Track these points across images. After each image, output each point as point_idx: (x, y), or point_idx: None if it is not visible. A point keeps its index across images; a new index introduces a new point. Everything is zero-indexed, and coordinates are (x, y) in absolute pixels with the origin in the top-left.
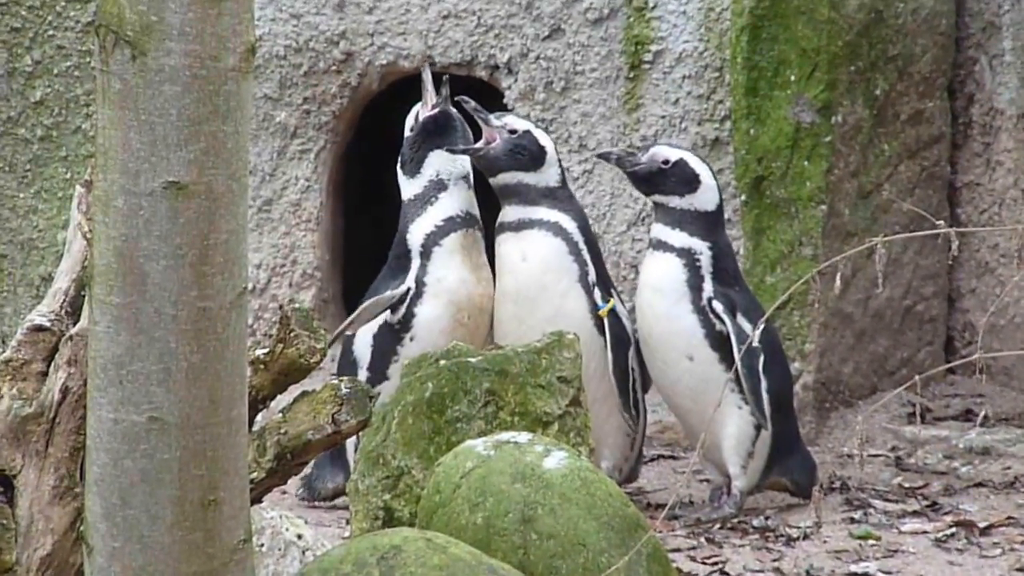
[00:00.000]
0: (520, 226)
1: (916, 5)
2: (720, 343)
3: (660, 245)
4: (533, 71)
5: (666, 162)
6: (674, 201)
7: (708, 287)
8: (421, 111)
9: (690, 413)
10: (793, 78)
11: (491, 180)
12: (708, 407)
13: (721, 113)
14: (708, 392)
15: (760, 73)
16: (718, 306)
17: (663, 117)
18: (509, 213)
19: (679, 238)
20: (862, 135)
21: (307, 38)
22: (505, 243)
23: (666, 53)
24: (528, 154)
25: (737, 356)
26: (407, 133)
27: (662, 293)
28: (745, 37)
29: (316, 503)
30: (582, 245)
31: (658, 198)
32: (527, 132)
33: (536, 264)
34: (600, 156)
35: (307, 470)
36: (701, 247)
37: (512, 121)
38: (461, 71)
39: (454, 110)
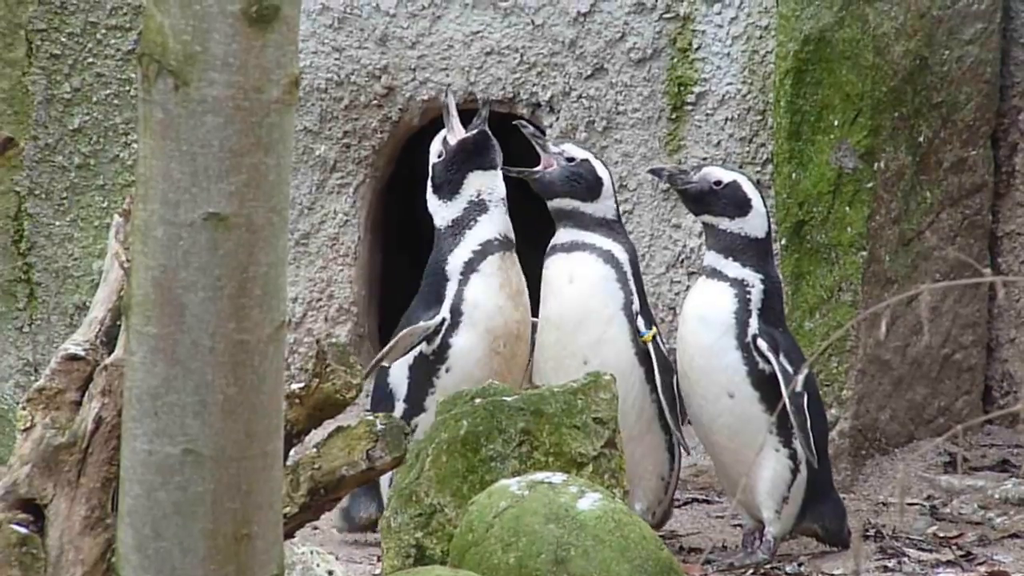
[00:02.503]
0: (572, 247)
1: (961, 53)
2: (761, 382)
3: (713, 273)
4: (575, 110)
5: (718, 183)
6: (724, 223)
7: (754, 323)
8: (449, 137)
9: (725, 451)
10: (836, 123)
11: (548, 204)
12: (744, 447)
13: (763, 156)
14: (746, 432)
15: (803, 117)
16: (763, 344)
17: (705, 159)
18: (562, 235)
19: (733, 268)
20: (904, 182)
21: (348, 72)
22: (554, 264)
23: (709, 95)
24: (585, 183)
25: (785, 394)
26: (434, 160)
27: (708, 324)
28: (789, 81)
29: (352, 532)
30: (630, 275)
31: (707, 219)
32: (585, 161)
33: (583, 288)
34: (652, 172)
35: (344, 501)
36: (754, 279)
37: (570, 149)
38: (503, 108)
39: (490, 132)
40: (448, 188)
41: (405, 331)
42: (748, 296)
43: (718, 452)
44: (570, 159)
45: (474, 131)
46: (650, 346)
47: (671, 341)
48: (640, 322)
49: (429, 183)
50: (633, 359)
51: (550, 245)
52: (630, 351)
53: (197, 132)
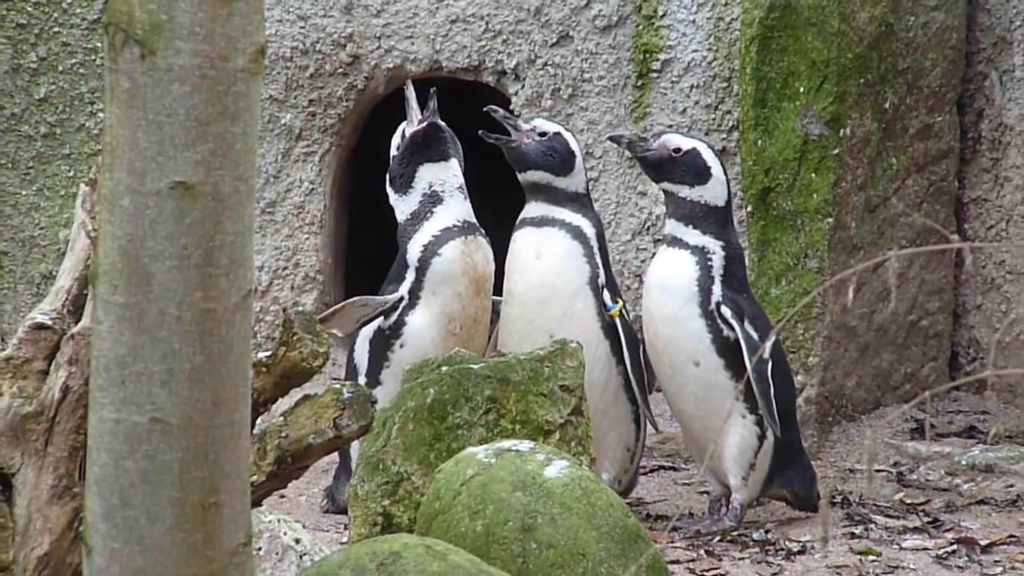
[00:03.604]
0: (542, 222)
1: (927, 19)
2: (726, 349)
3: (674, 242)
4: (540, 77)
5: (677, 150)
6: (684, 191)
7: (717, 290)
8: (407, 128)
9: (693, 419)
10: (802, 90)
11: (520, 176)
12: (711, 414)
13: (729, 124)
14: (712, 399)
15: (769, 84)
16: (726, 311)
17: (670, 126)
18: (532, 209)
19: (693, 236)
20: (870, 148)
21: (314, 40)
22: (522, 238)
23: (674, 62)
24: (558, 156)
25: (749, 363)
26: (393, 152)
27: (671, 293)
28: (754, 48)
29: (337, 513)
30: (596, 250)
31: (667, 186)
32: (557, 134)
33: (550, 263)
34: (611, 139)
35: (328, 481)
36: (715, 246)
37: (541, 124)
38: (468, 76)
39: (442, 123)
40: (401, 182)
41: (354, 299)
42: (710, 263)
43: (685, 420)
44: (542, 133)
45: (423, 123)
46: (616, 320)
47: (637, 309)
48: (606, 296)
49: (387, 177)
50: (599, 332)
51: (520, 218)
52: (596, 325)
53: (163, 101)
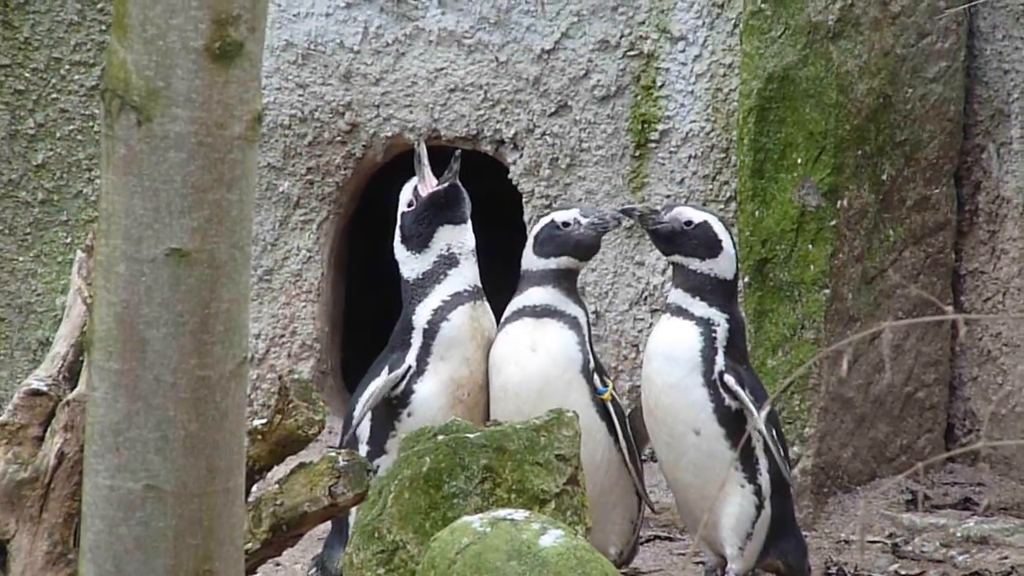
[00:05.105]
0: (543, 313)
1: (925, 91)
2: (727, 419)
3: (679, 312)
4: (539, 147)
5: (689, 223)
6: (694, 264)
7: (720, 360)
8: (420, 187)
9: (690, 488)
10: (799, 161)
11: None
12: (709, 483)
13: (726, 194)
14: (711, 468)
15: (766, 155)
16: (729, 379)
17: (668, 196)
18: (533, 297)
19: (699, 307)
20: (867, 220)
21: (312, 108)
22: (516, 330)
23: (673, 132)
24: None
25: (760, 420)
26: (403, 208)
27: (675, 362)
28: (752, 119)
29: None
30: (587, 337)
31: (678, 259)
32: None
33: (545, 359)
34: (624, 212)
35: (319, 549)
36: (719, 318)
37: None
38: (466, 145)
39: (460, 184)
40: (418, 241)
41: (373, 387)
42: (714, 335)
43: (682, 489)
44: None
45: (445, 184)
46: (609, 404)
47: (634, 379)
48: (596, 379)
49: (398, 232)
50: (595, 418)
51: (519, 306)
52: (591, 410)
53: (159, 168)
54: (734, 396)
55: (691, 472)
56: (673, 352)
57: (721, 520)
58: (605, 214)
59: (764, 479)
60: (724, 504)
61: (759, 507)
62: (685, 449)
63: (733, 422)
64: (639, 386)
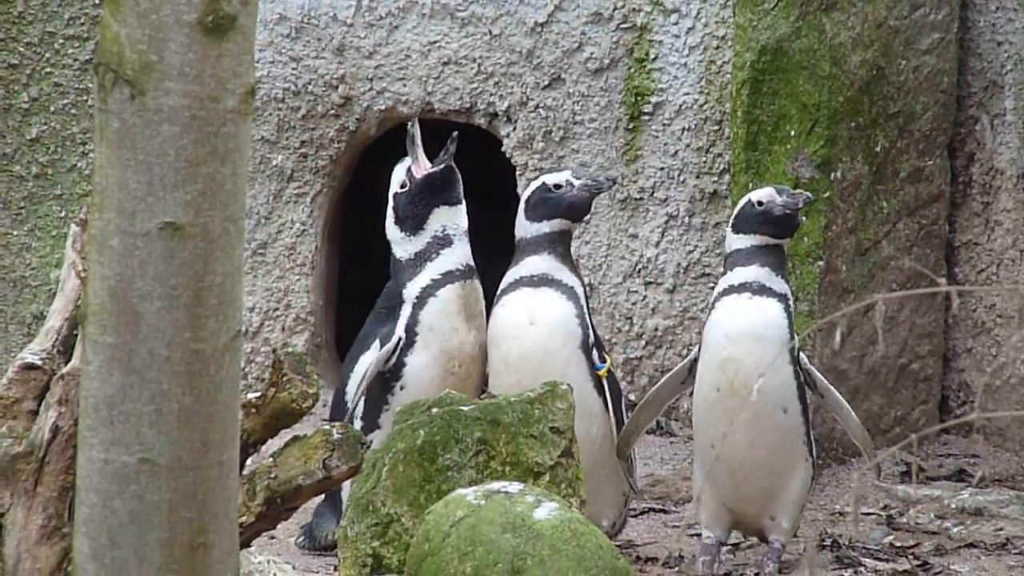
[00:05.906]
0: (540, 282)
1: (918, 63)
2: (803, 395)
3: (762, 290)
4: (532, 120)
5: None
6: (784, 243)
7: (795, 339)
8: (413, 168)
9: (760, 467)
10: (793, 133)
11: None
12: (782, 460)
13: (720, 166)
14: (789, 444)
15: (760, 127)
16: (803, 357)
17: (661, 169)
18: (530, 266)
19: (780, 284)
20: (861, 192)
21: (306, 81)
22: (514, 301)
23: (666, 105)
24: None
25: (839, 396)
26: (396, 189)
27: (767, 342)
28: (746, 91)
29: (316, 552)
30: (586, 310)
31: (768, 240)
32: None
33: (543, 330)
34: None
35: (308, 518)
36: (790, 295)
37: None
38: (460, 118)
39: (455, 166)
40: (412, 222)
41: (368, 366)
42: (790, 311)
43: (748, 469)
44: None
45: (440, 166)
46: (604, 380)
47: (629, 350)
48: (594, 354)
49: (390, 213)
50: (592, 393)
51: (516, 277)
52: (588, 385)
53: (153, 141)
54: (808, 372)
55: (767, 450)
56: (766, 332)
57: (786, 495)
58: (598, 175)
59: (815, 450)
60: (791, 479)
61: (813, 478)
62: (769, 427)
63: (805, 397)
64: (632, 359)
